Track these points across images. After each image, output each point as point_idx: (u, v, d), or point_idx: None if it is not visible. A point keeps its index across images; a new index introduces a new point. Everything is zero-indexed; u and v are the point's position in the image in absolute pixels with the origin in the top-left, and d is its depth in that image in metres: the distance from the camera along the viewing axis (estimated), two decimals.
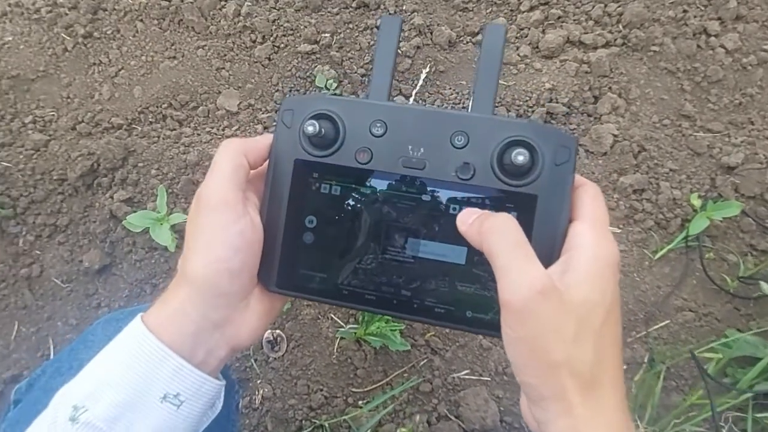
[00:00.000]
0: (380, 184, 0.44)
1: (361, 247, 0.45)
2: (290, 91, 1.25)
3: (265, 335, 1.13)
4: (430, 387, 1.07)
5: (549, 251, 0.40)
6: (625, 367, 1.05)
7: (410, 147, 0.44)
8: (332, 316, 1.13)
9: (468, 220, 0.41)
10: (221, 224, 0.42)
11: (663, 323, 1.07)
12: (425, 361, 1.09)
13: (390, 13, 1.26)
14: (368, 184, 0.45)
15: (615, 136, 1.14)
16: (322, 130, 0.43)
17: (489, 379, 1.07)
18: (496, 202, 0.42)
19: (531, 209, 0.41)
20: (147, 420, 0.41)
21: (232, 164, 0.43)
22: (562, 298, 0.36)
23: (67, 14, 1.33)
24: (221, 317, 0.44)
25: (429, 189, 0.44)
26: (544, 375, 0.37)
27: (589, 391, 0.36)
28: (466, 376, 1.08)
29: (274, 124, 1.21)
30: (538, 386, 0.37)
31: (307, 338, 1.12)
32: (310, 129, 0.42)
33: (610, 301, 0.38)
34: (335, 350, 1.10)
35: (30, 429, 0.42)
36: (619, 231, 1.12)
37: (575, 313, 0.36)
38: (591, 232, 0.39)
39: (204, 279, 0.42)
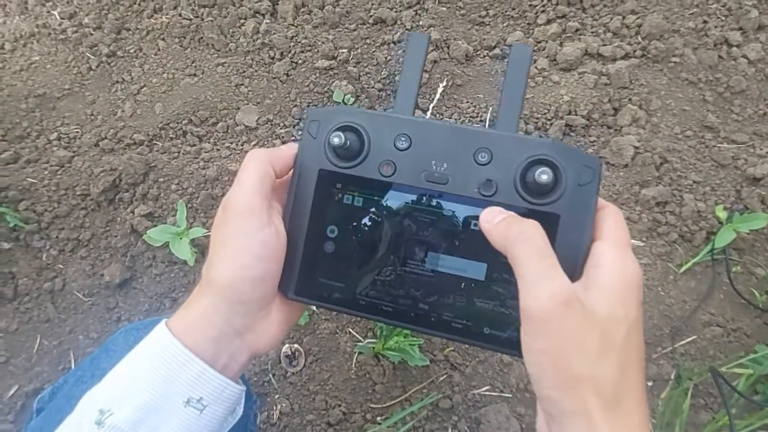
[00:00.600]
0: (403, 197, 0.45)
1: (380, 258, 0.45)
2: (308, 106, 1.26)
3: (283, 350, 1.12)
4: (450, 403, 1.05)
5: (571, 270, 0.39)
6: (650, 383, 1.02)
7: (434, 162, 0.44)
8: (350, 330, 1.12)
9: (493, 220, 0.40)
10: (247, 232, 0.43)
11: (690, 338, 1.04)
12: (445, 376, 1.07)
13: (407, 29, 1.27)
14: (391, 196, 0.45)
15: (636, 147, 1.13)
16: (348, 141, 0.43)
17: (510, 395, 1.05)
18: None
19: (553, 228, 0.41)
20: (170, 424, 0.41)
21: (258, 173, 0.44)
22: (585, 310, 0.36)
23: (92, 34, 1.37)
24: (243, 324, 0.44)
25: (451, 204, 0.44)
26: (565, 389, 0.35)
27: (612, 410, 0.35)
28: (487, 393, 1.06)
29: (293, 138, 1.22)
30: (560, 401, 0.36)
31: (326, 353, 1.12)
32: (336, 140, 0.43)
33: (633, 318, 0.37)
34: (353, 365, 1.09)
35: None
36: (642, 244, 1.10)
37: (599, 327, 0.36)
38: (614, 251, 0.39)
39: (228, 285, 0.43)
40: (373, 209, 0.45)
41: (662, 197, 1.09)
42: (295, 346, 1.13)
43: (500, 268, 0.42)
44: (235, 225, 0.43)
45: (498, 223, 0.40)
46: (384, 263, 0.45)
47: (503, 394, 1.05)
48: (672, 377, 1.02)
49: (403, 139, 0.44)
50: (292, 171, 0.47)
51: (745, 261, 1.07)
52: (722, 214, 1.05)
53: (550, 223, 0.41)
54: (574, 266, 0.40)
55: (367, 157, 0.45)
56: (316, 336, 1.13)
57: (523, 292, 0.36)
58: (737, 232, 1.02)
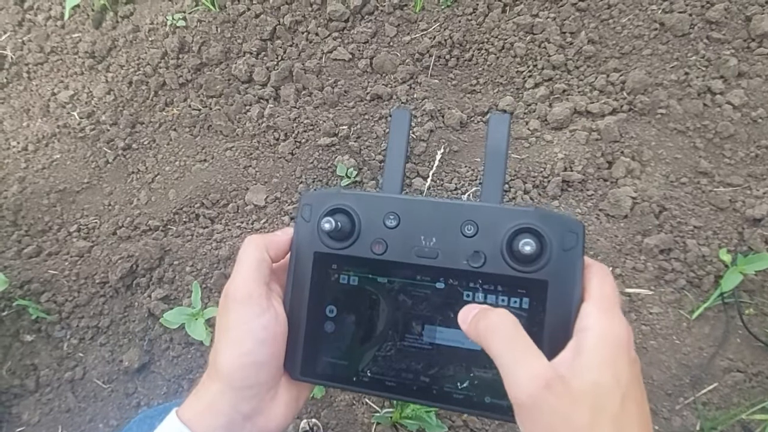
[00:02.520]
0: (396, 274, 0.46)
1: (379, 334, 0.46)
2: (313, 182, 1.31)
3: (302, 425, 1.12)
4: None
5: (564, 335, 0.40)
6: None
7: (422, 237, 0.45)
8: (367, 401, 1.12)
9: (467, 319, 0.41)
10: (247, 318, 0.44)
11: (711, 386, 1.02)
12: None
13: (402, 103, 1.33)
14: (384, 274, 0.46)
15: (633, 198, 1.15)
16: (339, 224, 0.45)
17: None
18: (508, 289, 0.43)
19: (543, 294, 0.42)
20: None
21: (255, 260, 0.46)
22: (570, 387, 0.36)
23: (108, 130, 1.46)
24: (251, 408, 0.45)
25: (442, 277, 0.45)
26: None
27: None
28: None
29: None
30: None
31: (343, 425, 1.11)
32: (326, 226, 0.44)
33: (625, 383, 0.37)
34: None
35: None
36: (651, 293, 1.10)
37: (587, 400, 0.36)
38: (597, 312, 0.39)
39: (233, 372, 0.44)
40: (368, 287, 0.46)
41: (665, 245, 1.11)
42: (314, 420, 1.12)
43: None
44: (235, 312, 0.44)
45: (470, 322, 0.40)
46: (383, 339, 0.46)
47: None
48: (697, 428, 0.99)
49: (391, 217, 0.46)
50: (289, 254, 0.48)
51: (757, 302, 1.06)
52: (726, 258, 1.05)
53: (539, 290, 0.42)
54: (566, 331, 0.40)
55: (358, 238, 0.46)
56: (334, 408, 1.12)
57: (506, 382, 0.37)
58: (744, 274, 1.02)
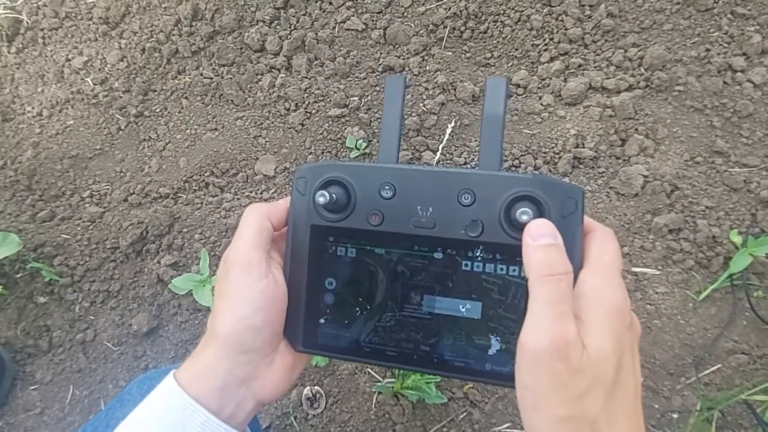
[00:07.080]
0: (393, 245, 0.45)
1: (379, 305, 0.46)
2: (323, 152, 1.31)
3: (305, 392, 1.14)
4: None
5: None
6: (676, 415, 1.00)
7: (419, 207, 0.45)
8: (369, 371, 1.13)
9: (537, 238, 0.39)
10: (245, 284, 0.44)
11: (714, 367, 1.01)
12: (464, 414, 1.06)
13: (415, 75, 1.32)
14: (382, 245, 0.46)
15: (645, 176, 1.13)
16: (333, 196, 0.45)
17: None
18: (507, 257, 0.42)
19: None
20: None
21: (255, 227, 0.45)
22: (579, 360, 0.36)
23: (121, 97, 1.46)
24: (246, 373, 0.45)
25: (440, 247, 0.44)
26: (544, 426, 0.36)
27: None
28: (508, 430, 1.04)
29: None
30: None
31: (345, 394, 1.12)
32: (320, 200, 0.44)
33: (620, 351, 0.37)
34: (373, 405, 1.10)
35: None
36: (658, 272, 1.08)
37: (590, 373, 0.36)
38: (593, 279, 0.39)
39: (230, 336, 0.44)
40: (366, 259, 0.46)
41: (675, 224, 1.09)
42: (316, 388, 1.14)
43: (495, 305, 0.43)
44: (234, 278, 0.44)
45: (540, 246, 0.39)
46: (383, 310, 0.46)
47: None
48: (697, 408, 0.99)
49: (387, 187, 0.45)
50: (287, 228, 0.48)
51: (766, 285, 1.05)
52: (737, 239, 1.03)
53: None
54: None
55: (355, 209, 0.46)
56: (336, 377, 1.14)
57: (527, 326, 0.37)
58: (754, 257, 1.00)
